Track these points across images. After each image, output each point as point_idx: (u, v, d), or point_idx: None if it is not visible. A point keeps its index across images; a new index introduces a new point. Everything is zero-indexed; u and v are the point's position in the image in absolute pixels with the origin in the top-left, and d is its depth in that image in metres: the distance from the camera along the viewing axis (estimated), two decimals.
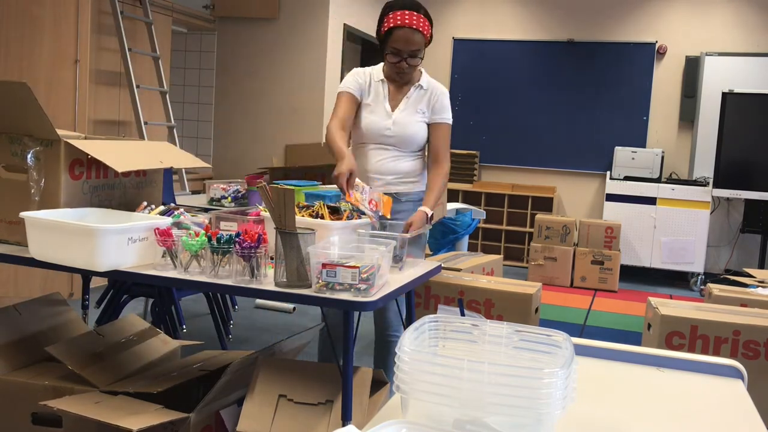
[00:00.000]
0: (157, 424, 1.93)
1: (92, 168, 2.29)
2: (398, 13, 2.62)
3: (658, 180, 6.60)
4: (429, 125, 2.81)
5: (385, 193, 2.65)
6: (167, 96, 5.34)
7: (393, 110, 2.77)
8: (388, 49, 2.66)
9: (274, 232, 1.94)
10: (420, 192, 2.87)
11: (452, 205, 4.87)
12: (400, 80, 2.77)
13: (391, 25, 2.62)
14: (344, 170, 2.38)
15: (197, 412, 2.05)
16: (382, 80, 2.80)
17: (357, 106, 2.80)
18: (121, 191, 2.43)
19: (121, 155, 2.26)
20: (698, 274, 6.49)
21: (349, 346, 1.97)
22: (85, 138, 2.37)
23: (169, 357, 2.61)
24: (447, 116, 2.81)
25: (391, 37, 2.64)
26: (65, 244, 1.99)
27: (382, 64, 2.82)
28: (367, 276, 1.89)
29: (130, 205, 2.45)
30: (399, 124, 2.75)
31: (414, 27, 2.60)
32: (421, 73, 2.83)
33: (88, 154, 2.19)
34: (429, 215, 2.60)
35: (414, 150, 2.82)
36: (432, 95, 2.79)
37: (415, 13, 2.62)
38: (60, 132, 2.22)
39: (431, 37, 2.73)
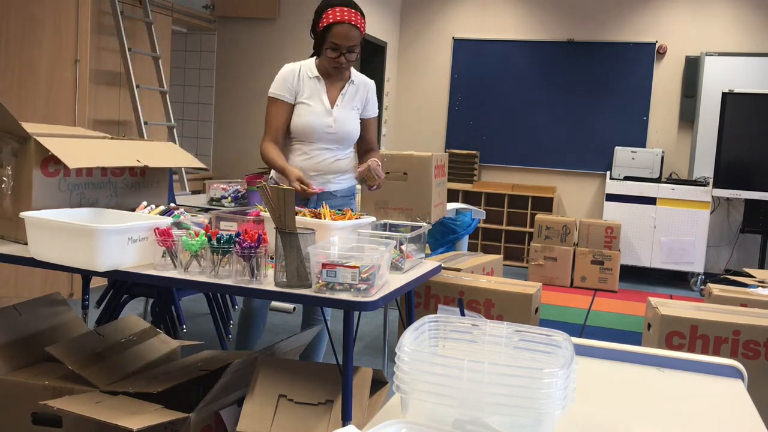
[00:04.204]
0: (157, 424, 1.93)
1: None
2: (337, 9, 2.68)
3: (658, 180, 6.60)
4: (363, 120, 2.92)
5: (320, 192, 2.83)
6: (167, 96, 5.34)
7: (332, 107, 2.83)
8: (328, 44, 2.71)
9: (274, 232, 1.94)
10: (351, 187, 2.99)
11: (452, 205, 4.87)
12: (337, 75, 2.83)
13: (331, 21, 2.68)
14: (298, 176, 2.62)
15: (197, 412, 2.05)
16: (317, 77, 2.83)
17: (290, 112, 2.83)
18: (111, 191, 2.42)
19: (87, 153, 2.25)
20: (698, 274, 6.49)
21: (349, 346, 1.97)
22: (81, 136, 2.37)
23: (169, 357, 2.60)
24: (376, 110, 2.96)
25: (330, 33, 2.69)
26: (65, 244, 1.99)
27: (313, 58, 2.87)
28: (367, 276, 1.89)
29: (123, 205, 2.44)
30: (339, 120, 2.83)
31: (353, 23, 2.67)
32: (350, 68, 2.90)
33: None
34: (378, 162, 2.76)
35: (349, 146, 2.92)
36: (363, 90, 2.90)
37: (353, 11, 2.70)
38: (60, 129, 2.22)
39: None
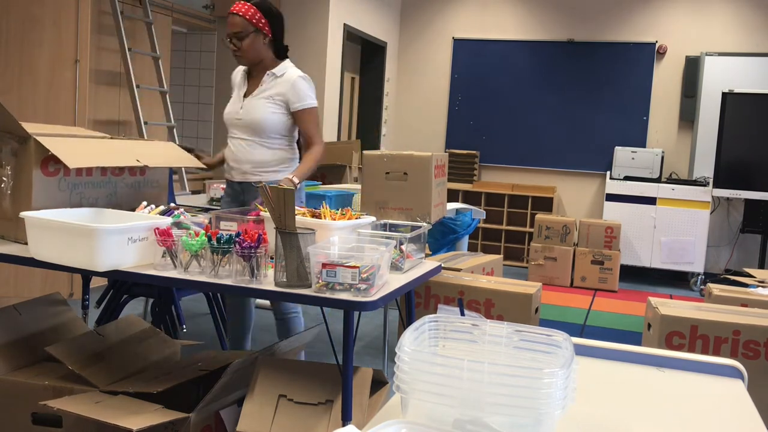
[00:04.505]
0: (157, 424, 1.93)
1: None
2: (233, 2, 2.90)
3: (658, 180, 6.60)
4: (293, 114, 2.93)
5: (242, 182, 2.96)
6: (167, 96, 5.34)
7: (245, 97, 2.96)
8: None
9: (274, 232, 1.94)
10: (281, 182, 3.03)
11: (452, 205, 4.87)
12: (239, 63, 2.98)
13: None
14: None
15: (197, 412, 2.05)
16: (245, 70, 3.03)
17: None
18: (111, 190, 2.41)
19: (87, 153, 2.25)
20: (698, 274, 6.49)
21: (349, 346, 1.97)
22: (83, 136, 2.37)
23: (169, 357, 2.61)
24: (307, 102, 2.92)
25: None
26: (65, 244, 1.99)
27: None
28: (367, 276, 1.89)
29: (122, 205, 2.44)
30: (246, 108, 2.92)
31: (235, 12, 2.85)
32: (279, 62, 2.98)
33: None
34: (295, 182, 2.78)
35: (269, 137, 2.93)
36: (284, 82, 2.92)
37: (242, 1, 2.88)
38: (59, 129, 2.21)
39: (272, 28, 2.91)
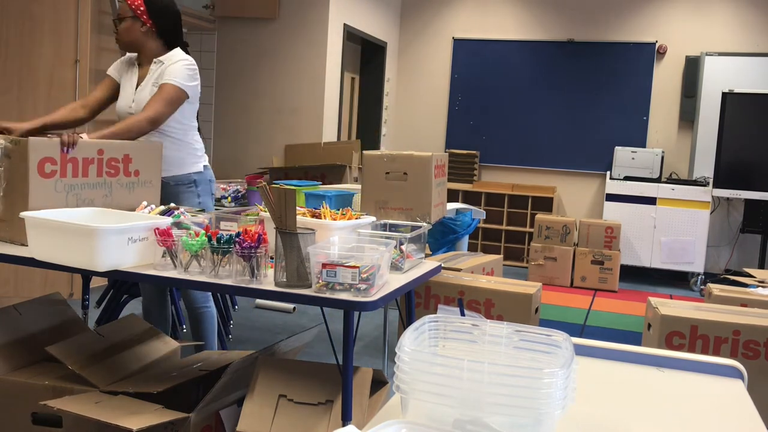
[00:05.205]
0: (157, 424, 1.93)
1: (67, 167, 2.29)
2: None
3: (658, 180, 6.60)
4: None
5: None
6: None
7: (136, 89, 2.86)
8: None
9: (274, 232, 1.94)
10: (190, 174, 2.90)
11: (452, 205, 4.87)
12: (121, 48, 2.89)
13: None
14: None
15: (197, 412, 2.05)
16: (133, 62, 2.92)
17: (112, 87, 2.93)
18: (106, 190, 2.41)
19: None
20: (698, 274, 6.49)
21: (349, 346, 1.97)
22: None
23: (169, 357, 2.61)
24: (169, 78, 2.72)
25: None
26: (65, 244, 1.99)
27: None
28: (367, 276, 1.89)
29: (116, 205, 2.44)
30: (138, 102, 2.82)
31: None
32: (168, 51, 2.86)
33: (60, 153, 2.20)
34: (84, 139, 2.43)
35: (167, 125, 2.76)
36: (165, 65, 2.80)
37: None
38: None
39: (153, 19, 2.81)
